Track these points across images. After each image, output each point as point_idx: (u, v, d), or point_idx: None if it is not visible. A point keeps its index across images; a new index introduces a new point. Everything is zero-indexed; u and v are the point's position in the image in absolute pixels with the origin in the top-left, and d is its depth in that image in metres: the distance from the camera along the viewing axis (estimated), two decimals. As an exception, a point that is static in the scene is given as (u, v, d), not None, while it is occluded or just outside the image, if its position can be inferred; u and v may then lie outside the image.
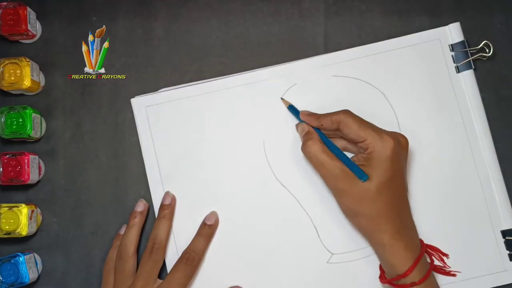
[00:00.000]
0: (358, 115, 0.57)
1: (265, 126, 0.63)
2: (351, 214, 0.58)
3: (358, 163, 0.56)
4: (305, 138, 0.58)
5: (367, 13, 0.65)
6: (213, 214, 0.62)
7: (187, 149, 0.62)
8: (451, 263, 0.61)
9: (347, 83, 0.63)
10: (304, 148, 0.58)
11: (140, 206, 0.62)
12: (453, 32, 0.63)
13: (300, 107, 0.62)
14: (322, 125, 0.58)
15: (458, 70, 0.63)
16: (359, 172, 0.55)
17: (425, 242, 0.59)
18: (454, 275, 0.61)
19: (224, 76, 0.63)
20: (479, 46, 0.63)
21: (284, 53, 0.64)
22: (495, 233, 0.62)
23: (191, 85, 0.63)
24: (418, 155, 0.62)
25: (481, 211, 0.62)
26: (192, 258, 0.59)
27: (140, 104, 0.63)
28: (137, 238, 0.61)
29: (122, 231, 0.62)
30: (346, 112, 0.57)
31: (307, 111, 0.60)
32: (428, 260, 0.58)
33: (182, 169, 0.62)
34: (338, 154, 0.57)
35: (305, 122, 0.60)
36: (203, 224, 0.61)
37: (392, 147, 0.55)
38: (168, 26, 0.65)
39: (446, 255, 0.61)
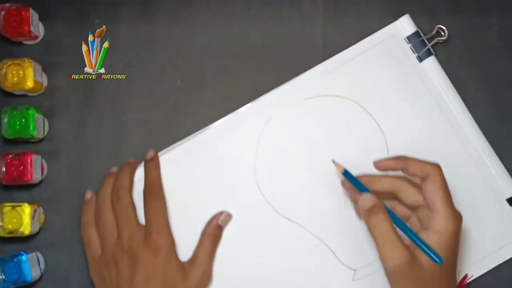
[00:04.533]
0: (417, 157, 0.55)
1: (254, 167, 0.63)
2: None
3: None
4: (373, 210, 0.53)
5: (366, 15, 0.65)
6: (150, 150, 0.62)
7: (183, 207, 0.62)
8: (467, 247, 0.61)
9: (320, 102, 0.63)
10: (372, 222, 0.52)
11: (114, 169, 0.63)
12: (405, 25, 0.64)
13: (282, 138, 0.62)
14: (408, 169, 0.54)
15: (420, 59, 0.64)
16: (433, 254, 0.50)
17: None
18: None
19: (201, 130, 0.63)
20: (433, 32, 0.64)
21: (284, 55, 0.65)
22: (501, 204, 0.62)
23: (175, 147, 0.63)
24: (406, 153, 0.61)
25: (481, 187, 0.62)
26: (152, 188, 0.60)
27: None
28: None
29: (87, 197, 0.61)
30: (439, 168, 0.53)
31: (380, 162, 0.56)
32: None
33: (182, 225, 0.61)
34: (408, 232, 0.52)
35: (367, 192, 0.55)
36: (145, 161, 0.61)
37: (459, 225, 0.51)
38: (170, 28, 0.65)
39: None
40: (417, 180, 0.55)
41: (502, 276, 0.62)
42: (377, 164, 0.57)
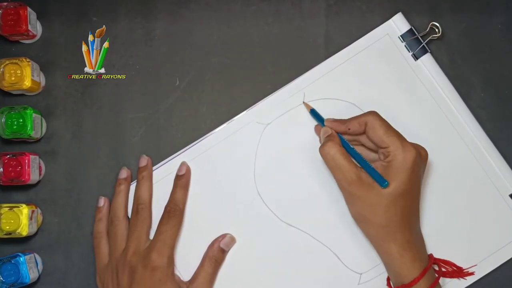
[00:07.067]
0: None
1: (254, 174, 0.62)
2: (362, 220, 0.58)
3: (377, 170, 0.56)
4: (325, 140, 0.57)
5: (368, 13, 0.65)
6: (183, 165, 0.62)
7: (184, 218, 0.62)
8: (473, 245, 0.61)
9: (317, 105, 0.63)
10: (322, 149, 0.57)
11: (123, 173, 0.63)
12: (398, 24, 0.64)
13: (280, 143, 0.62)
14: (349, 129, 0.58)
15: (416, 57, 0.63)
16: (379, 178, 0.54)
17: (437, 238, 0.60)
18: (472, 273, 0.61)
19: (198, 140, 0.63)
20: (427, 30, 0.63)
21: (284, 54, 0.64)
22: (505, 200, 0.62)
23: (175, 157, 0.63)
24: None
25: (484, 183, 0.62)
26: (174, 209, 0.60)
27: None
28: (126, 203, 0.62)
29: (100, 204, 0.62)
30: (374, 113, 0.57)
31: (332, 118, 0.60)
32: (435, 274, 0.58)
33: (183, 237, 0.62)
34: (358, 159, 0.56)
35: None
36: (176, 176, 0.62)
37: (413, 158, 0.54)
38: (169, 26, 0.65)
39: (460, 267, 0.61)
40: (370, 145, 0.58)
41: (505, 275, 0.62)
42: (321, 128, 0.60)
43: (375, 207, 0.55)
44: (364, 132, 0.57)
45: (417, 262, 0.55)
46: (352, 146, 0.58)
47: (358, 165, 0.56)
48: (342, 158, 0.56)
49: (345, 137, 0.59)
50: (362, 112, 0.62)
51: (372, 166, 0.56)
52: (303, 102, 0.62)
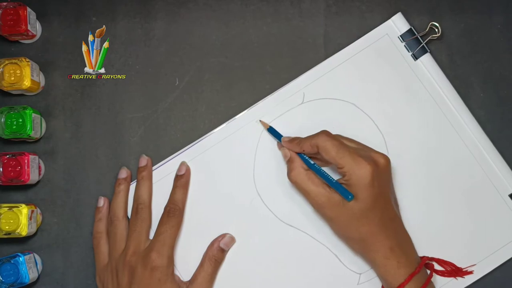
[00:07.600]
0: (335, 135, 0.58)
1: (253, 174, 0.63)
2: (342, 237, 0.60)
3: None
4: (289, 167, 0.58)
5: (367, 13, 0.64)
6: (183, 165, 0.62)
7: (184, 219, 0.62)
8: (472, 245, 0.61)
9: (317, 105, 0.63)
10: (289, 178, 0.58)
11: (123, 173, 0.63)
12: (398, 24, 0.63)
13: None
14: (304, 150, 0.58)
15: (415, 57, 0.63)
16: (344, 192, 0.55)
17: (437, 238, 0.60)
18: (471, 272, 0.61)
19: (197, 140, 0.63)
20: (426, 29, 0.63)
21: (284, 54, 0.64)
22: (504, 200, 0.62)
23: (175, 157, 0.63)
24: (406, 152, 0.62)
25: (484, 183, 0.62)
26: (174, 209, 0.60)
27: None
28: (125, 203, 0.62)
29: (100, 204, 0.62)
30: (324, 134, 0.57)
31: (288, 137, 0.60)
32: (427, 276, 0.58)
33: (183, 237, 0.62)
34: (323, 175, 0.57)
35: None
36: (176, 176, 0.62)
37: (369, 174, 0.54)
38: (168, 26, 0.65)
39: (459, 267, 0.61)
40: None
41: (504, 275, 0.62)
42: (281, 149, 0.61)
43: (349, 224, 0.56)
44: (318, 153, 0.57)
45: (403, 268, 0.55)
46: (313, 162, 0.58)
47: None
48: (309, 184, 0.57)
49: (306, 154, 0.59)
50: (361, 112, 0.62)
51: (335, 181, 0.56)
52: (260, 121, 0.63)
